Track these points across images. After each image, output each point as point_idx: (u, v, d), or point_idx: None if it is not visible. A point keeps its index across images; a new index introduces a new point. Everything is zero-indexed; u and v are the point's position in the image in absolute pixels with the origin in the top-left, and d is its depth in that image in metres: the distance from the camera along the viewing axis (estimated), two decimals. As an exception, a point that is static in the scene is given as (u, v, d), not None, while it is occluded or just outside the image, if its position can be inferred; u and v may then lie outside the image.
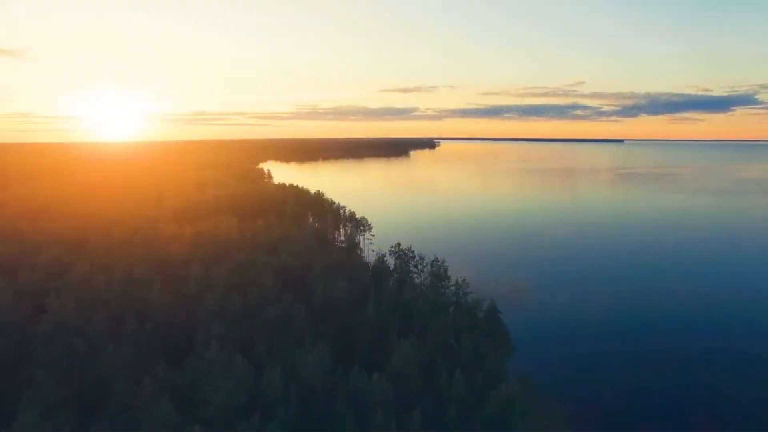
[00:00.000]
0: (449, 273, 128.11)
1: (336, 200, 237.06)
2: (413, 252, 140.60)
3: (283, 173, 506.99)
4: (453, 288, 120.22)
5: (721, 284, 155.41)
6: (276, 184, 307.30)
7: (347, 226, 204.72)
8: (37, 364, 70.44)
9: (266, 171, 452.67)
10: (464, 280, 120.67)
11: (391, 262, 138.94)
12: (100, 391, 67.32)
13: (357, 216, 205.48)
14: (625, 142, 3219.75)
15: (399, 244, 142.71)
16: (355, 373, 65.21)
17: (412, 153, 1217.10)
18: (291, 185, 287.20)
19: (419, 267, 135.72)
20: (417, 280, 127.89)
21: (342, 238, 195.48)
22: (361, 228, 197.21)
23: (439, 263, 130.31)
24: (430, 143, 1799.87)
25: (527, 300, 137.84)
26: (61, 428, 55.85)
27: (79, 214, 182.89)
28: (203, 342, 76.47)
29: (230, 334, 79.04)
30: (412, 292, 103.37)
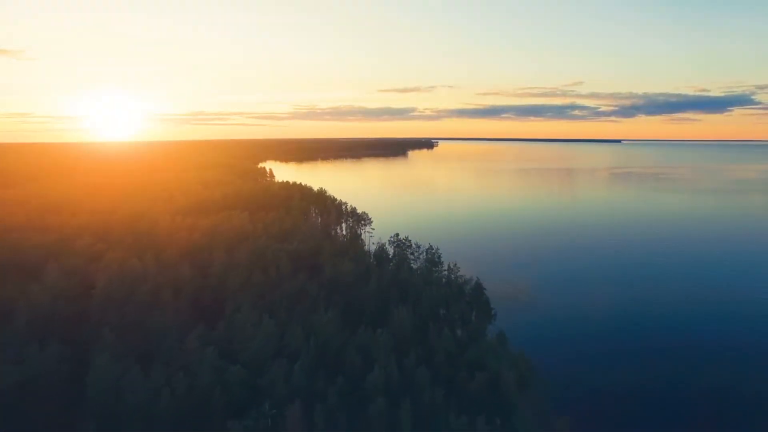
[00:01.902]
0: (442, 260, 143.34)
1: (338, 197, 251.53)
2: (410, 241, 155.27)
3: (283, 173, 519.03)
4: (446, 272, 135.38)
5: (720, 283, 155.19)
6: (280, 183, 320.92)
7: (349, 220, 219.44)
8: (99, 326, 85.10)
9: (268, 170, 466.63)
10: (455, 264, 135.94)
11: (390, 250, 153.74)
12: (152, 346, 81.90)
13: (358, 211, 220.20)
14: (623, 142, 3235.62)
15: (397, 234, 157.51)
16: (361, 330, 79.98)
17: (410, 153, 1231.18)
18: (295, 183, 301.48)
19: (415, 254, 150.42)
20: (414, 265, 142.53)
21: (344, 232, 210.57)
22: (362, 222, 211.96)
23: (434, 251, 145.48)
24: (428, 143, 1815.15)
25: (520, 293, 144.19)
26: (129, 369, 70.30)
27: (99, 210, 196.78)
28: (233, 309, 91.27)
29: (255, 304, 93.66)
30: (408, 273, 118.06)
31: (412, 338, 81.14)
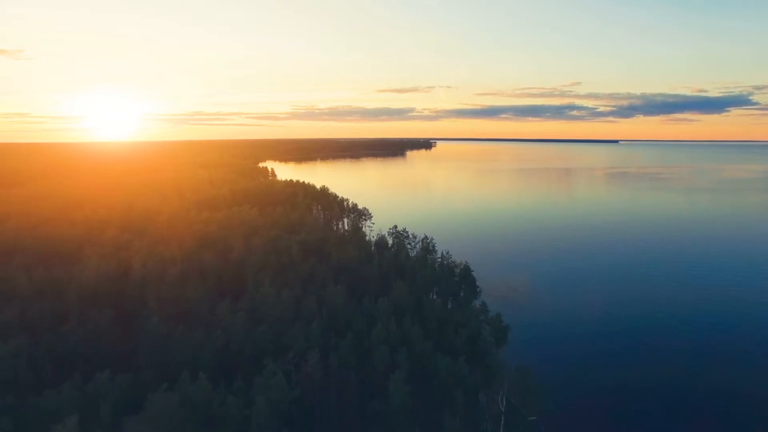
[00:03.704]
0: (437, 249, 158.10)
1: (339, 195, 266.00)
2: (407, 232, 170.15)
3: (284, 172, 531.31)
4: (439, 259, 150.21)
5: (715, 281, 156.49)
6: (284, 181, 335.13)
7: (351, 215, 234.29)
8: (140, 300, 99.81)
9: (270, 170, 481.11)
10: (448, 252, 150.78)
11: (389, 240, 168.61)
12: (188, 314, 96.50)
13: (359, 207, 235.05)
14: (621, 142, 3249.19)
15: (395, 226, 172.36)
16: (365, 300, 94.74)
17: (409, 153, 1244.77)
18: (297, 181, 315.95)
19: (412, 243, 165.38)
20: (411, 253, 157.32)
21: (347, 226, 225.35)
22: (363, 217, 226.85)
23: (429, 240, 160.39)
24: (426, 143, 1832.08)
25: (509, 284, 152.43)
26: (174, 330, 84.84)
27: (117, 206, 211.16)
28: (253, 286, 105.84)
29: (272, 282, 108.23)
30: (406, 258, 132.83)
31: (409, 307, 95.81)
